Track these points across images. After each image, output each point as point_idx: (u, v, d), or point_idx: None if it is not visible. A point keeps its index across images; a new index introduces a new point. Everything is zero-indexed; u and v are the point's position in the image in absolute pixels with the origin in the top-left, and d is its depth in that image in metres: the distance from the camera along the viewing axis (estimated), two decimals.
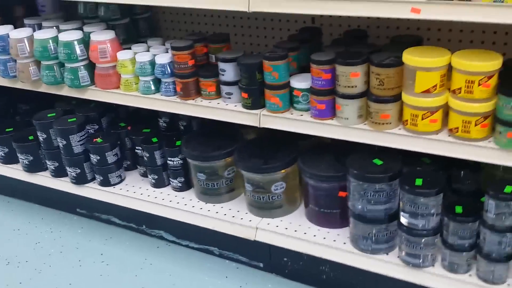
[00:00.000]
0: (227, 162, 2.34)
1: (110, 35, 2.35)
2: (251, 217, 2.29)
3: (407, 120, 1.81)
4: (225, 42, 2.31)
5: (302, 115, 2.02)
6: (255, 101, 2.08)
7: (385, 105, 1.83)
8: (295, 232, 2.17)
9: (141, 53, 2.31)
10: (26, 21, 2.64)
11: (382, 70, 1.81)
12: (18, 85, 2.63)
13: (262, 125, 2.08)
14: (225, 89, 2.17)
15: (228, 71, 2.14)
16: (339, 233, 2.13)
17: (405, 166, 1.93)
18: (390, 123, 1.85)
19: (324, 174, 2.09)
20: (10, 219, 2.96)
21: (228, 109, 2.14)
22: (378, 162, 1.95)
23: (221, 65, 2.15)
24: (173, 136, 2.53)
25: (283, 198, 2.25)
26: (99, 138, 2.58)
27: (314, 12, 1.74)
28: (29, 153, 2.76)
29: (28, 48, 2.47)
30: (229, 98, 2.17)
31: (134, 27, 2.65)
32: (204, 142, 2.40)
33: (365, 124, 1.90)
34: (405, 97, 1.79)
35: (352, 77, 1.86)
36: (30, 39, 2.46)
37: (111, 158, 2.58)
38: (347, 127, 1.92)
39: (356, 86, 1.87)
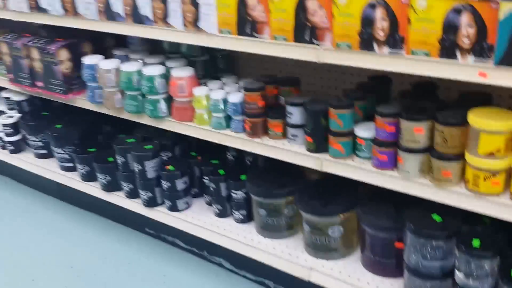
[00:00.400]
0: (288, 200, 2.41)
1: (189, 72, 2.51)
2: (306, 257, 2.35)
3: (468, 180, 1.81)
4: (294, 85, 2.41)
5: (363, 163, 2.06)
6: (319, 146, 2.15)
7: (447, 162, 1.84)
8: (349, 277, 2.20)
9: (215, 91, 2.45)
10: (115, 52, 2.87)
11: (446, 128, 1.82)
12: (103, 111, 2.86)
13: (323, 169, 2.14)
14: (291, 131, 2.26)
15: (295, 115, 2.22)
16: (393, 283, 2.14)
17: (463, 224, 1.92)
18: (451, 181, 1.85)
19: (382, 224, 2.11)
20: (83, 231, 3.18)
21: (292, 151, 2.22)
22: (437, 218, 1.95)
23: (289, 108, 2.24)
24: (239, 170, 2.64)
25: (340, 242, 2.28)
26: (171, 166, 2.74)
27: (383, 68, 1.79)
28: (108, 173, 2.96)
29: (114, 78, 2.68)
30: (294, 140, 2.25)
31: (212, 64, 2.80)
32: (268, 179, 2.48)
33: (426, 179, 1.92)
34: (468, 157, 1.79)
35: (415, 132, 1.88)
36: (117, 70, 2.67)
37: (180, 185, 2.73)
38: (407, 180, 1.94)
39: (419, 142, 1.89)
